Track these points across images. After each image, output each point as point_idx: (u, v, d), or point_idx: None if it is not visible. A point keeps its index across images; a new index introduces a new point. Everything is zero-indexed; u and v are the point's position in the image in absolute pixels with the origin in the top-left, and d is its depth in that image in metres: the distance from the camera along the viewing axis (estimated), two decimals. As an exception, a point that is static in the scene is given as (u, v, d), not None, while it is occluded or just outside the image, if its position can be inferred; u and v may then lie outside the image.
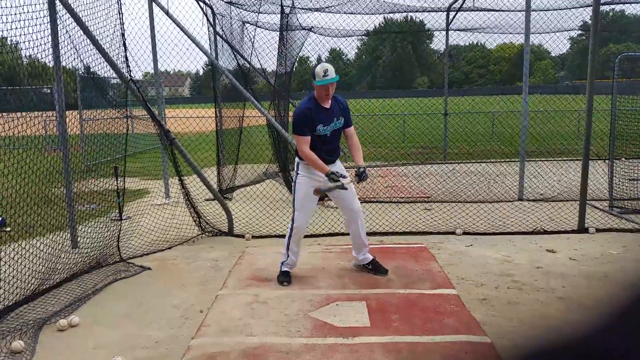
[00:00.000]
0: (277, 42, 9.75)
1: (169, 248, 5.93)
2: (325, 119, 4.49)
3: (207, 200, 7.66)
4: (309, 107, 4.48)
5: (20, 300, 4.15)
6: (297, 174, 4.68)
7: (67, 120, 5.81)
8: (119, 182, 6.37)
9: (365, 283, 4.69)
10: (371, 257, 4.90)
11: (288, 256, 4.78)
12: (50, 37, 5.18)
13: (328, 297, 4.38)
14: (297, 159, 4.72)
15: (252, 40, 10.46)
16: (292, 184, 4.77)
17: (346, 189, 4.38)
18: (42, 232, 4.87)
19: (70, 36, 5.26)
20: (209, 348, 3.53)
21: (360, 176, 4.43)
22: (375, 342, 3.54)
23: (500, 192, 8.33)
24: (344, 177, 4.40)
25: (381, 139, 16.63)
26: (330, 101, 4.55)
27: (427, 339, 3.59)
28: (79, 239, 5.62)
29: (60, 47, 5.34)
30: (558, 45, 17.49)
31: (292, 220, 4.69)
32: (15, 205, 4.30)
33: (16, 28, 4.25)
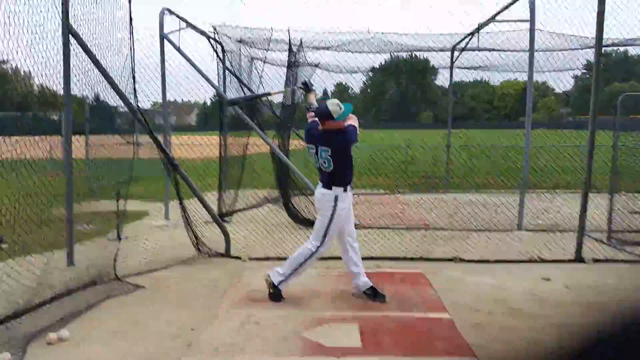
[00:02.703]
0: (284, 75, 9.98)
1: (165, 268, 5.93)
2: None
3: (206, 222, 7.69)
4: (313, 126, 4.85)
5: (10, 314, 4.14)
6: (338, 204, 4.67)
7: (73, 145, 5.91)
8: (119, 204, 6.44)
9: (359, 306, 4.67)
10: (370, 284, 4.88)
11: (291, 278, 4.82)
12: (62, 69, 5.37)
13: (321, 318, 4.36)
14: (337, 189, 4.67)
15: (260, 74, 10.68)
16: (331, 211, 4.69)
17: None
18: (38, 250, 4.91)
19: (82, 69, 5.46)
20: (198, 365, 3.51)
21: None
22: (365, 363, 3.52)
23: (500, 222, 8.32)
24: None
25: (385, 169, 16.71)
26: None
27: (417, 360, 3.56)
28: (76, 257, 5.64)
29: (72, 79, 5.53)
30: (562, 84, 17.58)
31: (321, 244, 4.75)
32: (15, 224, 4.36)
33: (34, 64, 4.46)
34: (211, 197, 8.33)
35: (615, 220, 7.19)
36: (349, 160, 4.72)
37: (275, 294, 4.81)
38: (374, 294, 4.84)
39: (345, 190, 4.68)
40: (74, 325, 4.19)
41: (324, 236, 4.73)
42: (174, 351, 3.76)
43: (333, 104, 4.58)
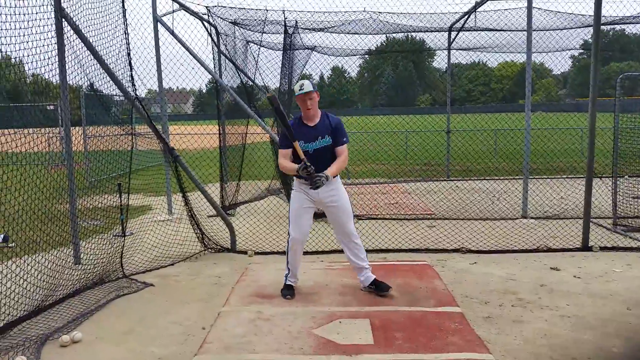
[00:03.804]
0: (280, 61, 9.87)
1: (172, 264, 5.92)
2: (306, 136, 4.60)
3: (210, 216, 7.68)
4: (293, 124, 4.69)
5: (24, 315, 4.14)
6: (292, 188, 4.87)
7: (72, 137, 5.86)
8: (122, 198, 6.40)
9: (368, 300, 4.67)
10: (373, 277, 4.86)
11: (289, 270, 4.86)
12: (57, 56, 5.24)
13: (331, 314, 4.36)
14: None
15: (256, 58, 10.58)
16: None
17: (315, 182, 4.40)
18: (46, 247, 4.88)
19: (77, 55, 5.33)
20: (212, 365, 3.51)
21: (310, 174, 4.40)
22: (379, 360, 3.52)
23: (504, 210, 8.32)
24: (320, 176, 4.42)
25: (384, 155, 16.69)
26: (317, 119, 4.65)
27: (431, 356, 3.57)
28: (82, 255, 5.63)
29: (67, 67, 5.40)
30: (560, 63, 17.60)
31: (288, 233, 4.80)
32: (20, 221, 4.32)
33: (24, 49, 4.32)
34: (212, 189, 8.29)
35: (620, 205, 7.19)
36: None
37: (282, 289, 4.86)
38: (376, 287, 4.82)
39: (298, 178, 4.71)
40: (85, 326, 4.18)
41: (289, 224, 4.82)
42: (186, 350, 3.75)
43: (299, 83, 4.61)
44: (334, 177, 4.56)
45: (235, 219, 7.96)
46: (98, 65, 5.31)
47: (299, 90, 4.56)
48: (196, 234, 6.42)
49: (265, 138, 9.90)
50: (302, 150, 4.54)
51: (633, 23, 12.15)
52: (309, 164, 4.42)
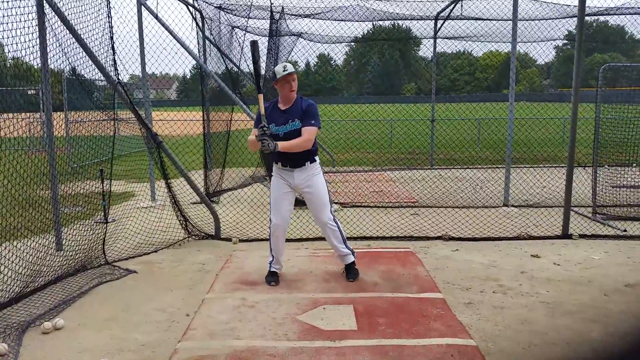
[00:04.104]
0: (266, 47, 9.79)
1: (155, 251, 5.89)
2: (277, 119, 4.60)
3: (194, 203, 7.64)
4: (267, 106, 4.68)
5: (4, 302, 4.10)
6: (271, 175, 4.89)
7: (54, 121, 5.77)
8: (104, 184, 6.33)
9: (352, 287, 4.70)
10: (349, 262, 4.89)
11: (273, 257, 4.87)
12: (38, 39, 5.13)
13: (315, 300, 4.39)
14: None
15: (242, 44, 10.48)
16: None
17: (262, 143, 4.37)
18: (27, 234, 4.82)
19: (58, 39, 5.22)
20: (196, 351, 3.52)
21: (264, 134, 4.38)
22: (362, 346, 3.56)
23: (486, 198, 8.42)
24: (266, 140, 4.38)
25: (369, 143, 16.72)
26: (291, 104, 4.61)
27: (413, 342, 3.61)
28: (64, 242, 5.57)
29: (48, 50, 5.29)
30: (544, 53, 17.78)
31: (270, 220, 4.81)
32: (0, 207, 4.26)
33: (3, 30, 4.22)
34: (195, 176, 8.24)
35: (600, 194, 7.32)
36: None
37: (266, 275, 4.85)
38: (346, 271, 4.89)
39: (276, 163, 4.75)
40: (68, 313, 4.16)
41: (270, 210, 4.83)
42: (170, 337, 3.75)
43: (281, 65, 4.58)
44: (282, 150, 4.45)
45: (220, 206, 7.94)
46: (80, 49, 5.21)
47: (283, 71, 4.51)
48: (180, 221, 6.39)
49: (250, 125, 9.82)
50: (273, 134, 4.54)
51: (616, 14, 12.28)
52: (267, 127, 4.43)
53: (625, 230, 6.45)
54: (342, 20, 11.47)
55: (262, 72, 4.63)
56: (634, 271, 5.05)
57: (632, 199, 7.66)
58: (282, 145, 4.46)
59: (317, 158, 4.78)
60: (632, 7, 11.07)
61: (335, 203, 8.09)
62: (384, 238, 6.30)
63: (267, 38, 9.92)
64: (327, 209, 4.76)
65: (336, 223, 4.80)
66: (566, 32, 13.55)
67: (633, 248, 5.82)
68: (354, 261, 4.91)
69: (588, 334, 3.74)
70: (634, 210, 7.34)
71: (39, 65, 5.39)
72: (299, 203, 5.13)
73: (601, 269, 5.14)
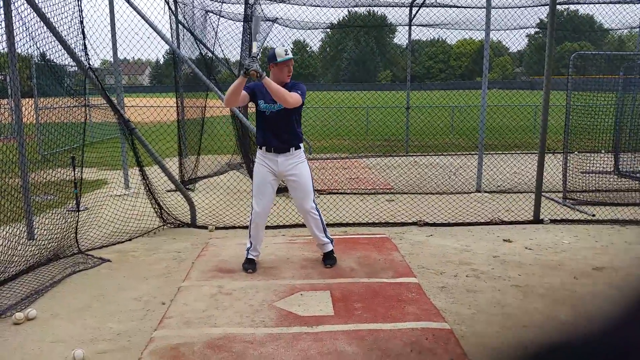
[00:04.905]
0: (241, 33, 9.66)
1: (129, 240, 5.82)
2: (266, 96, 4.52)
3: (169, 191, 7.56)
4: (258, 82, 4.54)
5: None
6: (254, 161, 4.85)
7: (23, 108, 5.61)
8: (76, 172, 6.20)
9: (329, 273, 4.74)
10: (327, 250, 4.92)
11: (251, 243, 4.85)
12: (3, 22, 4.97)
13: (292, 287, 4.41)
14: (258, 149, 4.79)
15: (216, 29, 10.32)
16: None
17: (249, 64, 4.25)
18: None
19: (25, 23, 5.06)
20: (172, 339, 3.50)
21: (254, 59, 4.27)
22: (338, 330, 3.60)
23: (460, 184, 8.54)
24: (254, 63, 4.25)
25: (345, 130, 16.75)
26: (281, 85, 4.53)
27: (389, 326, 3.67)
28: (35, 231, 5.45)
29: (15, 34, 5.13)
30: (517, 41, 18.01)
31: (252, 206, 4.79)
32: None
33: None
34: (170, 164, 8.14)
35: (570, 180, 7.50)
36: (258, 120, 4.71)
37: (243, 263, 4.84)
38: (324, 258, 4.94)
39: (260, 148, 4.72)
40: (40, 303, 4.09)
41: (252, 197, 4.81)
42: (145, 326, 3.73)
43: (282, 48, 4.56)
44: (266, 85, 4.30)
45: (195, 194, 7.87)
46: (49, 33, 5.06)
47: (285, 55, 4.47)
48: (154, 208, 6.32)
49: (225, 112, 9.74)
50: (261, 110, 4.55)
51: (587, 3, 12.51)
52: (257, 56, 4.32)
53: (593, 215, 6.63)
54: (317, 5, 11.40)
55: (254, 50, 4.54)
56: (602, 255, 5.21)
57: (601, 184, 7.87)
58: (267, 81, 4.29)
59: (301, 145, 4.77)
60: (601, -3, 11.29)
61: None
62: (360, 224, 6.35)
63: (242, 23, 9.79)
64: (311, 197, 4.76)
65: (318, 212, 4.80)
66: (538, 21, 13.76)
67: (601, 232, 6.00)
68: (332, 249, 4.94)
69: (558, 317, 3.85)
70: (602, 195, 7.55)
71: (5, 49, 5.23)
72: (282, 190, 5.12)
73: (571, 252, 5.29)
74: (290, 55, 4.52)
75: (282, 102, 4.41)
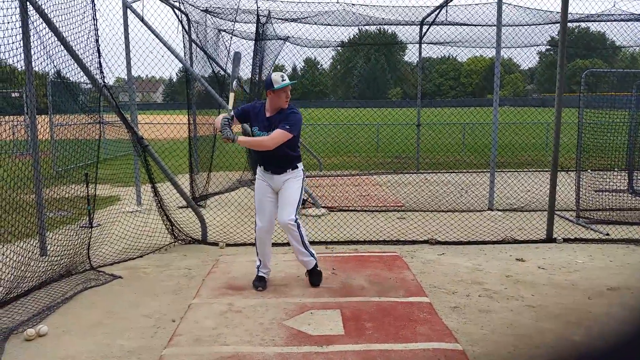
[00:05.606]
0: (252, 51, 9.79)
1: (141, 256, 5.84)
2: (261, 123, 4.63)
3: (180, 207, 7.60)
4: (255, 105, 4.78)
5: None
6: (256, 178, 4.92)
7: (38, 125, 5.70)
8: (89, 188, 6.26)
9: (339, 291, 4.71)
10: (310, 266, 4.83)
11: (260, 261, 4.86)
12: (22, 41, 5.07)
13: (302, 305, 4.39)
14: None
15: (228, 48, 10.46)
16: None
17: (225, 132, 4.45)
18: (10, 239, 4.75)
19: (43, 41, 5.16)
20: (182, 358, 3.50)
21: (228, 123, 4.48)
22: (349, 350, 3.56)
23: (471, 202, 8.49)
24: (227, 129, 4.47)
25: (356, 147, 16.78)
26: (277, 111, 4.60)
27: (400, 346, 3.63)
28: (48, 247, 5.50)
29: (32, 52, 5.23)
30: (528, 59, 18.01)
31: (255, 223, 4.84)
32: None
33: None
34: (182, 180, 8.19)
35: (583, 198, 7.43)
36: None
37: (254, 280, 4.85)
38: (309, 275, 4.87)
39: (260, 165, 4.82)
40: (52, 319, 4.10)
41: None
42: (155, 343, 3.72)
43: (278, 74, 4.62)
44: (241, 144, 4.64)
45: (206, 211, 7.90)
46: (65, 51, 5.16)
47: (282, 81, 4.51)
48: (166, 225, 6.35)
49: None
50: (255, 136, 4.64)
51: (597, 21, 12.49)
52: (232, 117, 4.54)
53: (607, 234, 6.55)
54: (328, 24, 11.52)
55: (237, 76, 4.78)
56: (616, 274, 5.13)
57: (615, 203, 7.78)
58: (242, 139, 4.59)
59: (299, 165, 4.77)
60: (613, 15, 11.28)
61: (323, 207, 8.10)
62: (370, 242, 6.32)
63: (254, 42, 9.92)
64: (292, 210, 4.62)
65: (298, 226, 4.64)
66: (549, 38, 13.75)
67: (615, 252, 5.91)
68: (316, 264, 4.84)
69: (571, 338, 3.79)
70: (616, 214, 7.46)
71: (23, 67, 5.33)
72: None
73: (584, 272, 5.21)
74: (287, 82, 4.54)
75: (262, 149, 4.58)
